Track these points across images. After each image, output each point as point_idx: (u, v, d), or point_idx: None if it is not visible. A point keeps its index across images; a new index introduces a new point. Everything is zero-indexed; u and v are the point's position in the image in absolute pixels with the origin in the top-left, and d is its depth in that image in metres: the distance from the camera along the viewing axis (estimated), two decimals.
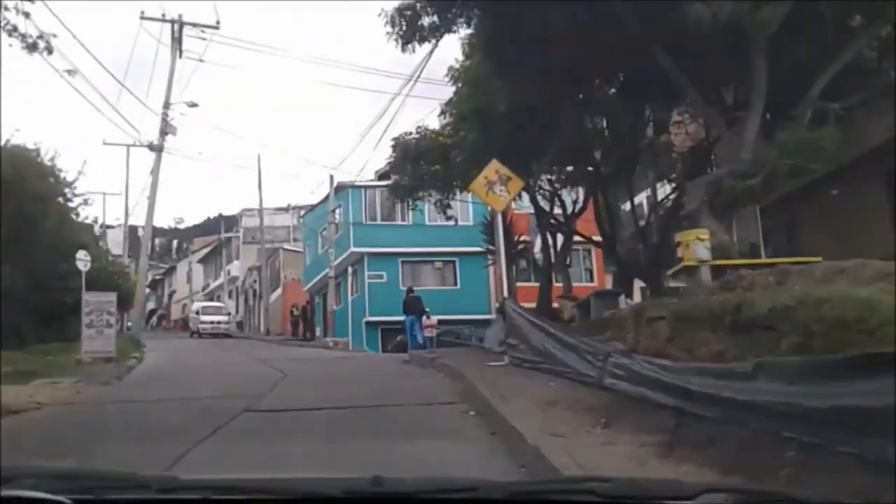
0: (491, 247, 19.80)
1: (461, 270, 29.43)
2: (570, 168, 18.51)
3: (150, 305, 76.73)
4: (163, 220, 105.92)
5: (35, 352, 20.35)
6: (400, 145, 19.00)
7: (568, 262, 27.06)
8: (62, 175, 32.59)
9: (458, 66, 16.26)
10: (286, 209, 51.35)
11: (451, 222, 26.30)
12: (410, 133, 19.18)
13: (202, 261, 61.96)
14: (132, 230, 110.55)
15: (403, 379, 11.55)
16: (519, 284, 29.95)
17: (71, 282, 28.89)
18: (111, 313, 17.68)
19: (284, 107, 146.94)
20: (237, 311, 51.91)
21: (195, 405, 9.00)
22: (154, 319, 71.82)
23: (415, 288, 28.59)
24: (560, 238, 18.55)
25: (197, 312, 42.26)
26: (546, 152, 15.66)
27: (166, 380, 12.83)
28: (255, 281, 43.98)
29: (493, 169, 11.98)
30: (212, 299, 57.23)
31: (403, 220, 29.36)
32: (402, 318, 23.73)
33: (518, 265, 30.56)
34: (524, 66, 12.47)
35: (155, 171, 25.00)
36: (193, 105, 26.01)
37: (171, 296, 69.22)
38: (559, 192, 18.08)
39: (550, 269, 17.88)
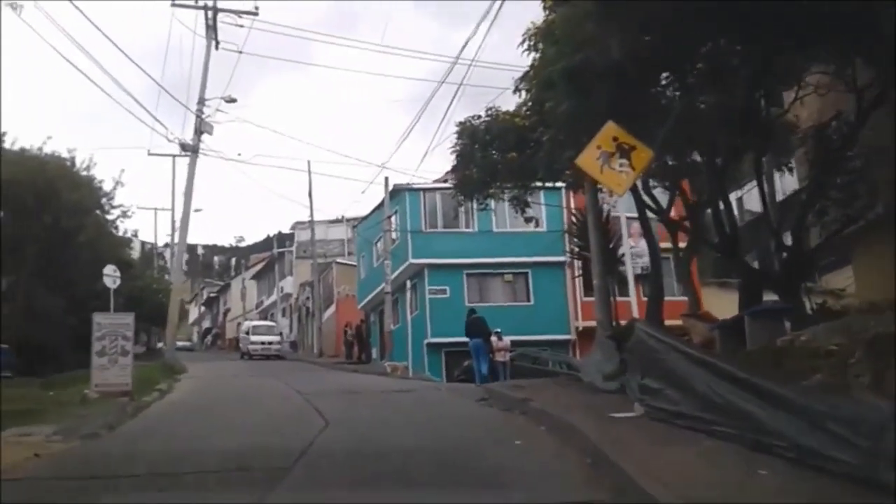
0: (583, 252, 16.26)
1: (535, 283, 25.88)
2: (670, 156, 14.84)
3: (206, 324, 75.64)
4: (224, 239, 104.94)
5: (58, 383, 17.84)
6: (466, 130, 15.69)
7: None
8: (99, 185, 30.53)
9: (536, 26, 12.89)
10: (340, 220, 48.71)
11: (531, 225, 22.82)
12: (479, 117, 15.87)
13: (256, 277, 59.93)
14: (191, 248, 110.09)
15: (491, 437, 8.07)
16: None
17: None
18: (128, 338, 14.69)
19: (331, 102, 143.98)
20: (290, 330, 49.39)
21: (182, 491, 5.78)
22: (209, 338, 70.33)
23: (482, 305, 25.14)
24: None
25: (247, 332, 39.66)
26: (660, 130, 12.07)
27: (171, 432, 9.65)
28: (307, 298, 41.26)
29: (609, 135, 8.52)
30: (266, 317, 54.99)
31: (468, 226, 26.01)
32: (467, 339, 20.27)
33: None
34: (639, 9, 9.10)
35: (190, 174, 22.34)
36: (232, 100, 23.33)
37: (225, 314, 67.44)
38: (678, 183, 14.38)
39: (659, 280, 14.19)
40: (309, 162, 37.98)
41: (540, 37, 12.75)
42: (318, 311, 37.02)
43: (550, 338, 25.02)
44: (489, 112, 15.72)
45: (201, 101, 22.60)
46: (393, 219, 26.64)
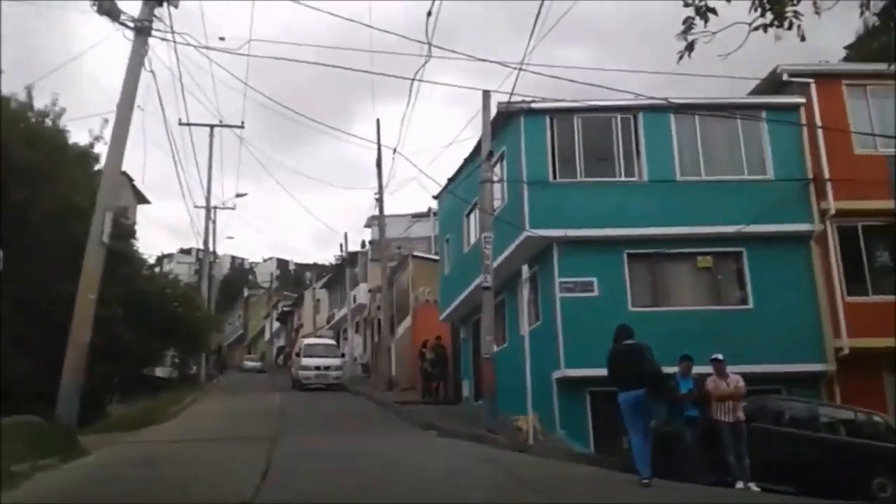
0: None
1: (754, 272, 14.33)
2: None
3: (280, 342, 67.19)
4: (324, 258, 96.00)
5: None
6: None
7: None
8: (69, 139, 21.24)
9: None
10: (426, 214, 38.39)
11: (744, 170, 11.72)
12: None
13: (326, 286, 50.58)
14: (282, 263, 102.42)
15: None
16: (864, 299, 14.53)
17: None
18: None
19: None
20: (364, 350, 39.44)
21: None
22: (281, 358, 61.97)
23: (658, 310, 14.21)
24: None
25: (298, 353, 29.82)
26: None
27: None
28: (378, 307, 31.04)
29: None
30: (338, 334, 45.43)
31: (630, 172, 14.79)
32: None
33: (871, 260, 15.02)
34: None
35: (132, 70, 12.19)
36: None
37: (297, 330, 58.51)
38: None
39: None
40: (378, 121, 28.02)
41: None
42: (385, 325, 26.52)
43: (785, 369, 13.50)
44: None
45: None
46: (498, 168, 15.78)
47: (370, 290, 33.48)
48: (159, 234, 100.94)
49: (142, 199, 38.16)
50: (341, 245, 43.53)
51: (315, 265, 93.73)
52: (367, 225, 43.79)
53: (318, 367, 27.64)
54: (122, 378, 21.94)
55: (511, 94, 12.94)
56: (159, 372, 28.40)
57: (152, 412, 16.19)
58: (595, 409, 13.80)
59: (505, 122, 15.38)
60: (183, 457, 10.15)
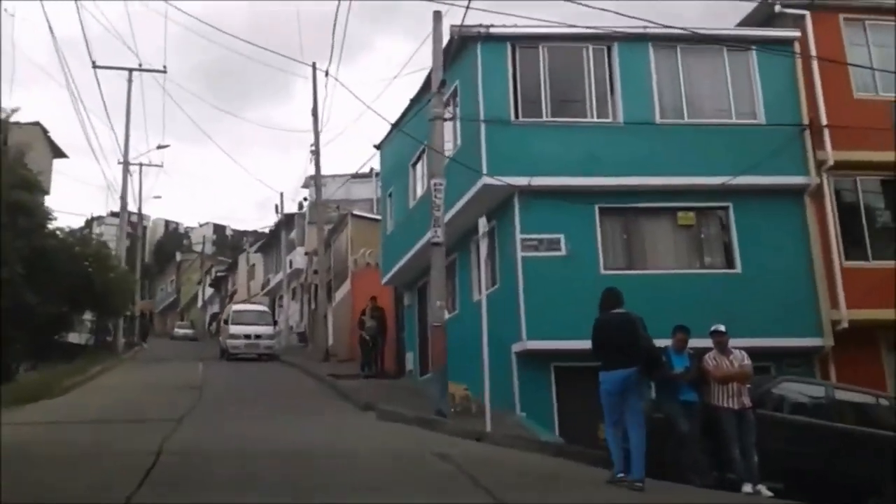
0: None
1: (742, 231, 12.56)
2: None
3: (214, 308, 64.03)
4: (264, 224, 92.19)
5: None
6: None
7: None
8: None
9: None
10: (368, 175, 35.90)
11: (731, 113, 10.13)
12: None
13: (261, 250, 47.77)
14: (219, 228, 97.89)
15: None
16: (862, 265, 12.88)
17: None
18: None
19: None
20: (301, 318, 37.06)
21: None
22: (214, 325, 58.95)
23: (632, 273, 12.45)
24: None
25: (226, 321, 27.37)
26: None
27: None
28: (315, 272, 28.70)
29: None
30: (274, 300, 42.99)
31: (604, 114, 12.77)
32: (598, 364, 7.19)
33: (871, 220, 13.39)
34: None
35: None
36: None
37: (231, 296, 55.46)
38: None
39: None
40: (314, 64, 25.59)
41: None
42: (325, 291, 24.23)
43: (776, 343, 11.82)
44: None
45: None
46: (450, 107, 13.54)
47: (307, 254, 31.04)
48: (95, 196, 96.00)
49: (58, 153, 34.52)
50: (277, 206, 40.61)
51: (254, 232, 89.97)
52: (305, 185, 41.05)
53: (247, 336, 25.39)
54: (26, 344, 19.49)
55: (466, 7, 10.54)
56: (76, 338, 25.78)
57: (49, 384, 13.75)
58: (561, 388, 11.91)
59: (458, 50, 13.08)
60: (51, 448, 7.88)
